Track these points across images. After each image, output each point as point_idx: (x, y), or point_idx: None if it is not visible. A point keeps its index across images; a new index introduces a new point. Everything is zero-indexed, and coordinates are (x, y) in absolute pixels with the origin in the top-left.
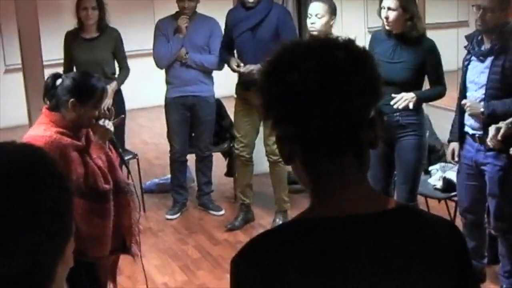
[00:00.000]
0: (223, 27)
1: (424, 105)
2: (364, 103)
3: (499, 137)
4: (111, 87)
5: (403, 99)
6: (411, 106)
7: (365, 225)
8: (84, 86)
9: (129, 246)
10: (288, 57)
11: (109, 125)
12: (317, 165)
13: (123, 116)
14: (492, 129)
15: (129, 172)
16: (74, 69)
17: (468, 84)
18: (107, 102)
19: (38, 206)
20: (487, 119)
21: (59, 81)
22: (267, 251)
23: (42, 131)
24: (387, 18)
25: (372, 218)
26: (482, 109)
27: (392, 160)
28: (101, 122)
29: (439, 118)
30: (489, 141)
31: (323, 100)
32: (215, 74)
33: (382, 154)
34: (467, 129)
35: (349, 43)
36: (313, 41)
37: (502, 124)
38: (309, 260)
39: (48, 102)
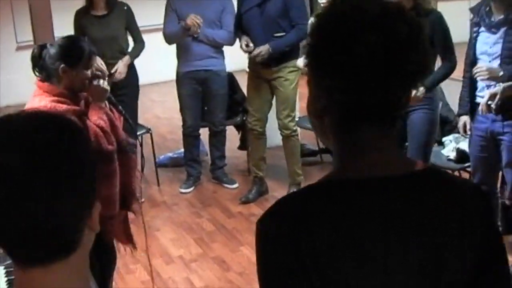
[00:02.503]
0: (235, 3)
1: None
2: (418, 78)
3: (495, 101)
4: (123, 61)
5: (415, 100)
6: (421, 96)
7: (395, 186)
8: (71, 49)
9: (130, 203)
10: (349, 26)
11: (104, 84)
12: (354, 130)
13: (113, 72)
14: (486, 94)
15: (134, 130)
16: None
17: (480, 56)
18: (122, 75)
19: (68, 158)
20: (507, 81)
21: (45, 52)
22: (294, 212)
23: (37, 103)
24: None
25: (402, 180)
26: (501, 73)
27: (404, 132)
28: (95, 82)
29: (453, 89)
30: (481, 106)
31: (386, 74)
32: (227, 48)
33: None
34: (479, 100)
35: (409, 16)
36: (372, 6)
37: (498, 88)
38: (337, 221)
39: (38, 75)
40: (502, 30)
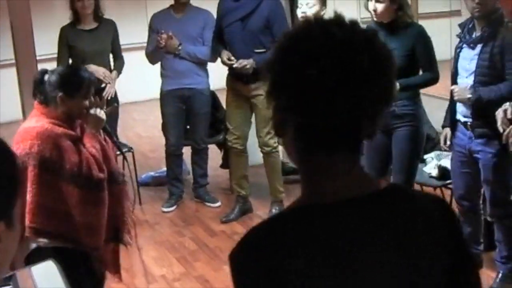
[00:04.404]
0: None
1: (420, 95)
2: (375, 106)
3: (509, 116)
4: (113, 77)
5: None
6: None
7: (362, 207)
8: (71, 79)
9: (122, 235)
10: (307, 48)
11: (101, 113)
12: (310, 155)
13: (116, 104)
14: (500, 112)
15: (126, 160)
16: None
17: (460, 71)
18: (111, 91)
19: None
20: (474, 105)
21: (46, 77)
22: (266, 242)
23: (34, 123)
24: (375, 10)
25: (368, 199)
26: (469, 95)
27: (389, 149)
28: (92, 111)
29: (433, 106)
30: (499, 126)
31: (337, 101)
32: (209, 66)
33: (379, 144)
34: (458, 116)
35: (374, 45)
36: (342, 32)
37: (507, 106)
38: (310, 246)
39: (38, 98)
40: (479, 46)
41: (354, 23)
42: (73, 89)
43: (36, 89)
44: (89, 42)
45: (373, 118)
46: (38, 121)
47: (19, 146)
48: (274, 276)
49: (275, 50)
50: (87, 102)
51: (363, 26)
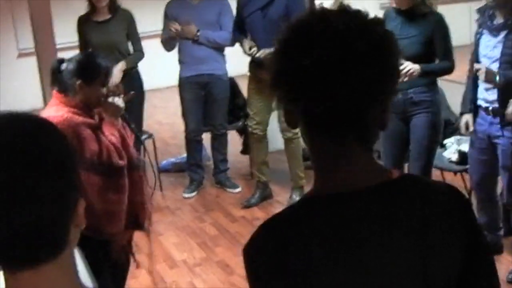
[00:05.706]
0: (233, 7)
1: (438, 81)
2: (376, 93)
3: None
4: (118, 67)
5: (407, 68)
6: (415, 72)
7: (371, 197)
8: (88, 66)
9: (142, 222)
10: (303, 39)
11: (119, 101)
12: (318, 143)
13: (133, 92)
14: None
15: (145, 150)
16: None
17: (481, 58)
18: (115, 80)
19: (44, 158)
20: (502, 87)
21: (63, 66)
22: (278, 236)
23: (53, 112)
24: None
25: (376, 190)
26: (497, 78)
27: (406, 136)
28: (110, 99)
29: (453, 91)
30: (509, 114)
31: (335, 87)
32: (229, 53)
33: (397, 131)
34: (480, 102)
35: (373, 31)
36: (340, 21)
37: None
38: (323, 238)
39: (56, 87)
40: (503, 34)
41: (357, 12)
42: (91, 76)
43: (54, 78)
44: (101, 34)
45: (380, 104)
46: (57, 111)
47: None
48: (284, 270)
49: (277, 42)
50: (104, 90)
51: (380, 12)
